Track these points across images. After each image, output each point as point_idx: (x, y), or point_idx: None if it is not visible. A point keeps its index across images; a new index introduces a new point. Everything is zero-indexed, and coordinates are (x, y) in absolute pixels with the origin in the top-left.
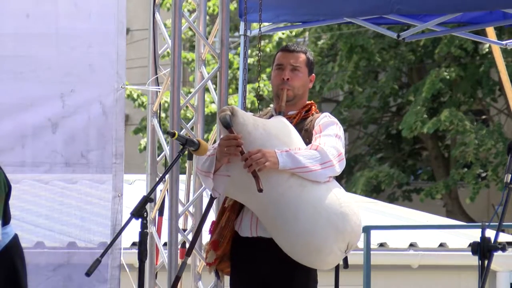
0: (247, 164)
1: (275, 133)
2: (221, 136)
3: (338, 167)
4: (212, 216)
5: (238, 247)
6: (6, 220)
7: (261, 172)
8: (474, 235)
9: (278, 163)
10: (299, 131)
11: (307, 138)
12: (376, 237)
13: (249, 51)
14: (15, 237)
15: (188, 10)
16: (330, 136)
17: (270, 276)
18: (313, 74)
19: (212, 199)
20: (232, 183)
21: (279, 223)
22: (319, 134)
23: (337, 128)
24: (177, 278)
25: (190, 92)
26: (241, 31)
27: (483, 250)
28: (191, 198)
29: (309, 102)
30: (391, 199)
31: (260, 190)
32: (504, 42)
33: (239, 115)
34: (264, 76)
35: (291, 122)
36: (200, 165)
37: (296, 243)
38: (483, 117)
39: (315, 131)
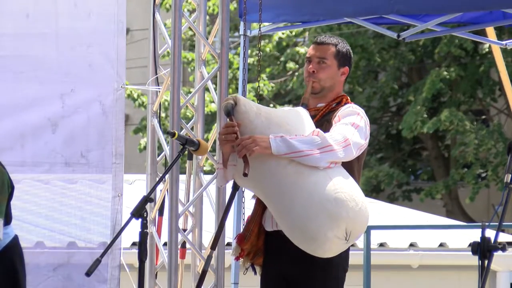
0: (237, 149)
1: (277, 121)
2: None
3: (342, 153)
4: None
5: (266, 241)
6: (8, 220)
7: (258, 159)
8: (474, 235)
9: (271, 148)
10: (324, 123)
11: (329, 129)
12: (376, 237)
13: (249, 51)
14: (15, 238)
15: (188, 10)
16: (345, 125)
17: (290, 271)
18: (346, 67)
19: (234, 191)
20: (237, 172)
21: (279, 210)
22: (336, 123)
23: (357, 118)
24: (204, 273)
25: (190, 92)
26: (241, 31)
27: (483, 250)
28: (191, 198)
29: (341, 94)
30: (391, 199)
31: (245, 175)
32: (504, 42)
33: (241, 103)
34: (264, 76)
35: (316, 115)
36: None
37: (294, 230)
38: (483, 117)
39: (334, 121)
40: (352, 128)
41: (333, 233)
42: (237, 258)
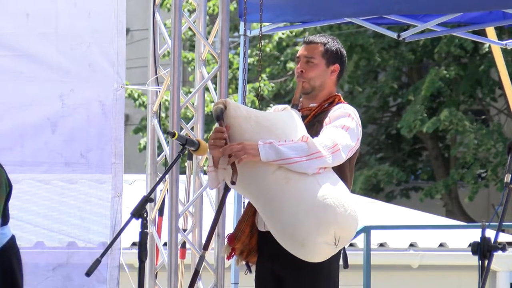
0: (227, 156)
1: (267, 125)
2: None
3: (331, 159)
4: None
5: (259, 241)
6: (5, 220)
7: (248, 164)
8: (474, 235)
9: (259, 155)
10: (315, 123)
11: (320, 130)
12: (376, 237)
13: (249, 51)
14: (12, 238)
15: (188, 10)
16: (335, 128)
17: (282, 270)
18: (336, 64)
19: (225, 192)
20: (228, 176)
21: (268, 215)
22: (327, 125)
23: (348, 120)
24: (196, 273)
25: (190, 92)
26: (241, 31)
27: (483, 250)
28: (191, 198)
29: (334, 94)
30: (390, 198)
31: (233, 183)
32: (504, 42)
33: (231, 108)
34: (264, 76)
35: (308, 115)
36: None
37: (283, 236)
38: (483, 117)
39: (325, 122)
40: (342, 131)
41: (322, 239)
42: (228, 258)
